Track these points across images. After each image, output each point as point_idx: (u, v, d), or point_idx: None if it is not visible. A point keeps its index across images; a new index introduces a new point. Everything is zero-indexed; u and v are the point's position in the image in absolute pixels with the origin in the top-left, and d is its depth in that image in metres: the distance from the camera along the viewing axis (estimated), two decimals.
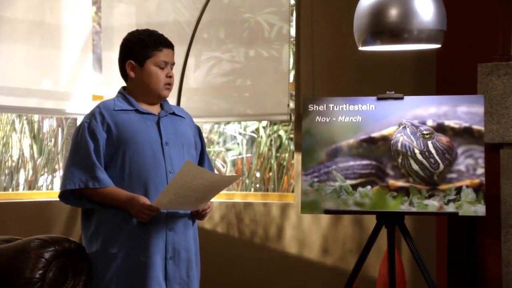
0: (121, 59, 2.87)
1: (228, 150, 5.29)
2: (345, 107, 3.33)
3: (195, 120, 3.09)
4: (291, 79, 4.63)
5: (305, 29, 4.48)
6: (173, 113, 2.92)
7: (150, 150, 2.79)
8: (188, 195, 2.73)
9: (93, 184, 2.74)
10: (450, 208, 3.20)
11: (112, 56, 4.75)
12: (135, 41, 2.82)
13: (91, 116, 2.82)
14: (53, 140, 5.02)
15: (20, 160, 4.86)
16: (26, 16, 4.58)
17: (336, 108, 3.34)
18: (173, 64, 2.86)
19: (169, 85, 2.83)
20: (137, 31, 2.87)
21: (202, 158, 3.00)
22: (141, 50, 2.81)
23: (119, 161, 2.77)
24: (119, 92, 2.89)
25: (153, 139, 2.80)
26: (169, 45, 2.83)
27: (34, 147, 4.93)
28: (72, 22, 4.82)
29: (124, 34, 2.92)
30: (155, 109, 2.88)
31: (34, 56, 4.62)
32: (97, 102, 2.97)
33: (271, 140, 5.13)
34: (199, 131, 3.03)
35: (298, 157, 4.42)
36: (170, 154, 2.81)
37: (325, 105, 3.35)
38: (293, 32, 4.64)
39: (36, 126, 4.97)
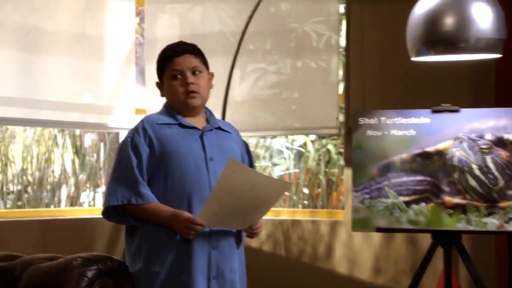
0: None
1: (274, 165, 5.29)
2: (398, 120, 3.32)
3: (240, 134, 3.06)
4: (340, 91, 4.59)
5: (355, 38, 4.45)
6: (219, 128, 2.90)
7: (194, 165, 2.78)
8: (233, 205, 2.69)
9: (136, 200, 2.74)
10: (511, 226, 3.17)
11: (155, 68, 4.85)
12: (157, 59, 2.91)
13: (134, 131, 2.82)
14: (95, 155, 5.04)
15: (62, 176, 4.89)
16: (68, 29, 4.60)
17: (388, 121, 3.33)
18: (193, 68, 2.81)
19: (192, 92, 2.81)
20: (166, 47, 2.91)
21: None
22: (158, 67, 2.88)
23: (162, 176, 2.77)
24: (164, 106, 2.90)
25: (197, 154, 2.79)
26: (181, 53, 2.82)
27: (76, 162, 4.95)
28: (115, 33, 4.81)
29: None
30: (199, 123, 2.87)
31: (76, 69, 4.63)
32: (140, 116, 3.11)
33: (319, 155, 5.11)
34: (246, 146, 3.00)
35: (348, 172, 4.37)
36: (214, 170, 2.79)
37: (376, 118, 3.35)
38: (342, 42, 4.60)
39: (78, 141, 4.99)
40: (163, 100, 2.95)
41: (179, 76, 2.80)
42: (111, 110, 4.83)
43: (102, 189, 4.99)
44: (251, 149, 5.30)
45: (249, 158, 2.99)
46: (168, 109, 2.86)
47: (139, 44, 5.05)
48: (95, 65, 4.73)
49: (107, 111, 4.81)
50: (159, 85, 2.89)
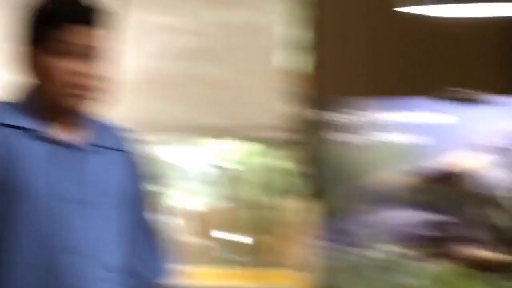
0: None
1: (187, 194, 5.27)
2: (389, 116, 3.32)
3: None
4: (286, 62, 4.63)
5: None
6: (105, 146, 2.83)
7: (56, 214, 2.73)
8: None
9: None
10: None
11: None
12: (34, 9, 2.85)
13: None
14: None
15: None
16: None
17: (373, 117, 3.33)
18: (92, 48, 2.80)
19: (78, 87, 2.78)
20: None
21: (135, 225, 2.77)
22: (34, 26, 2.83)
23: None
24: (27, 95, 2.84)
25: (67, 193, 2.75)
26: (85, 21, 2.80)
27: None
28: None
29: None
30: (77, 134, 2.80)
31: None
32: None
33: (263, 175, 5.12)
34: (134, 167, 2.84)
35: (302, 207, 4.28)
36: (87, 221, 2.75)
37: (351, 112, 3.36)
38: None
39: None
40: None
41: (68, 54, 2.79)
42: None
43: None
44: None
45: (138, 193, 2.82)
46: (31, 102, 2.83)
47: None
48: None
49: None
50: (27, 53, 2.84)
